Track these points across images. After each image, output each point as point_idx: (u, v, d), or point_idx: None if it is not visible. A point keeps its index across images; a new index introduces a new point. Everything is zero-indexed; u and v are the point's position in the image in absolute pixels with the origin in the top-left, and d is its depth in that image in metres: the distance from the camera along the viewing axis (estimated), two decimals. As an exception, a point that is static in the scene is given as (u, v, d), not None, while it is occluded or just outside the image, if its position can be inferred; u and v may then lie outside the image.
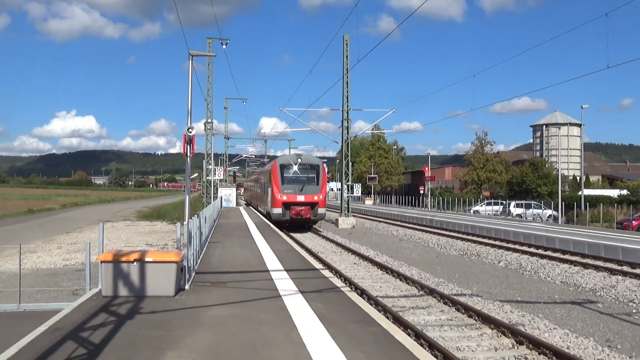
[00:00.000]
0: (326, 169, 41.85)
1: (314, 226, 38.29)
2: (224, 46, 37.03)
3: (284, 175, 34.95)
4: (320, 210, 35.09)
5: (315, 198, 34.73)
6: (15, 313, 11.25)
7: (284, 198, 34.22)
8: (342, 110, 42.35)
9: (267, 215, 38.82)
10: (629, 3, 24.66)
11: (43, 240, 29.67)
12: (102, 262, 10.92)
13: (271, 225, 33.29)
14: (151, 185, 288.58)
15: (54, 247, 26.32)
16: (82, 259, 14.03)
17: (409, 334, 10.09)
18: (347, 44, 42.51)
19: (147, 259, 10.94)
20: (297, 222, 35.12)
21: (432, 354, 8.50)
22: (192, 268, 13.50)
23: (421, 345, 9.49)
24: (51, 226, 40.51)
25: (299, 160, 35.85)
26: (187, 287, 12.00)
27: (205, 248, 19.63)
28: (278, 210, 34.31)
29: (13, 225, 41.44)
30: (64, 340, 7.84)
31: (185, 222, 13.95)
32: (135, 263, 10.85)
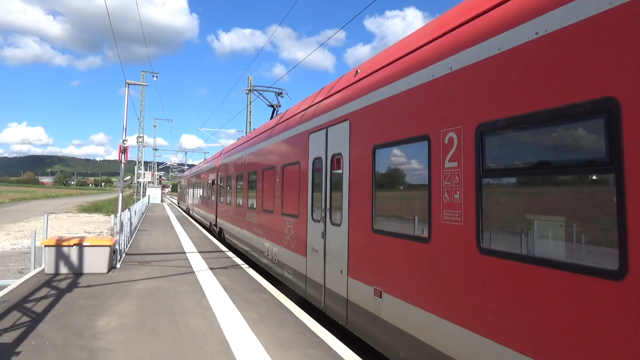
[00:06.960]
0: None
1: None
2: (155, 78, 35.20)
3: None
4: None
5: None
6: (-35, 289, 9.95)
7: None
8: (246, 132, 42.08)
9: None
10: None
11: (-7, 228, 26.43)
12: (45, 246, 10.02)
13: (188, 217, 31.17)
14: (90, 184, 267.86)
15: (3, 234, 23.53)
16: (28, 244, 12.71)
17: (291, 299, 10.14)
18: (250, 83, 42.44)
19: (85, 244, 10.18)
20: None
21: (305, 312, 8.62)
22: (123, 251, 12.72)
23: (300, 307, 9.58)
24: (0, 217, 36.25)
25: None
26: (118, 265, 11.29)
27: (135, 234, 18.51)
28: None
29: (-35, 215, 36.68)
30: (9, 310, 7.08)
31: (118, 214, 13.15)
32: (74, 247, 10.05)
